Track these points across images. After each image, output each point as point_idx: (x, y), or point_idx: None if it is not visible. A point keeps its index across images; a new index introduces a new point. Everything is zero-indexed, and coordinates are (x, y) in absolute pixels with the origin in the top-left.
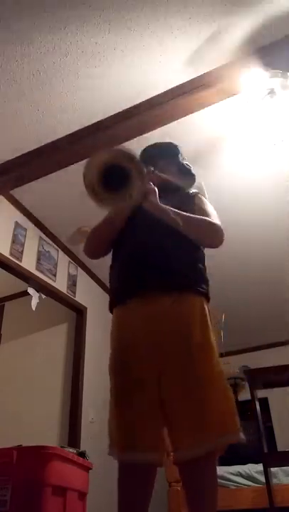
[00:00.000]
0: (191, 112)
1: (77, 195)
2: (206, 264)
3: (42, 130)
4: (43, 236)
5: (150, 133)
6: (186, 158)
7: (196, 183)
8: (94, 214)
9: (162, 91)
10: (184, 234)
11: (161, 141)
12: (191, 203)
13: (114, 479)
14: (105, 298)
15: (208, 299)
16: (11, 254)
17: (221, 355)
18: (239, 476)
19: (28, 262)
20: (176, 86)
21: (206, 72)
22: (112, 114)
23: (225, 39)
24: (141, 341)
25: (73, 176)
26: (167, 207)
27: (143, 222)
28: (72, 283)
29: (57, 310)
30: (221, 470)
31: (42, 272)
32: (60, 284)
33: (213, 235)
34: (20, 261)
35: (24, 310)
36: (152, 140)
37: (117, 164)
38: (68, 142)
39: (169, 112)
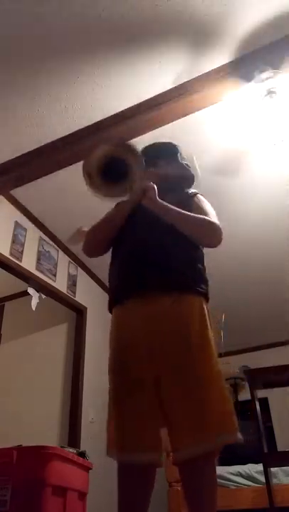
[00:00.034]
0: (188, 114)
1: (78, 196)
2: (205, 264)
3: (42, 130)
4: (43, 236)
5: (150, 133)
6: (185, 157)
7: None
8: (94, 214)
9: (162, 91)
10: (183, 232)
11: (159, 141)
12: (191, 202)
13: (114, 479)
14: (105, 298)
15: (207, 299)
16: (11, 254)
17: (221, 355)
18: (239, 476)
19: (28, 262)
20: (176, 86)
21: (206, 72)
22: (112, 114)
23: (225, 39)
24: (141, 341)
25: (73, 176)
26: (166, 204)
27: (143, 219)
28: (72, 283)
29: (57, 310)
30: (221, 470)
31: (42, 271)
32: (60, 284)
33: (212, 233)
34: (20, 261)
35: (24, 310)
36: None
37: (118, 157)
38: (68, 142)
39: (169, 113)
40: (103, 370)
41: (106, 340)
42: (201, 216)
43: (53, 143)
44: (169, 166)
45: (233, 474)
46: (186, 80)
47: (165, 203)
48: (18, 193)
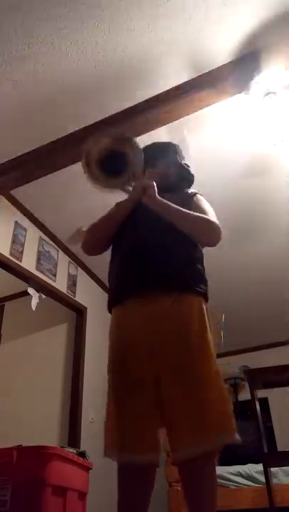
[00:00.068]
0: (191, 113)
1: (78, 196)
2: (205, 264)
3: (42, 130)
4: (43, 236)
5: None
6: (184, 157)
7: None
8: (94, 214)
9: (162, 91)
10: (182, 231)
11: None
12: (190, 202)
13: (114, 479)
14: (105, 298)
15: (206, 299)
16: (11, 254)
17: (221, 355)
18: (239, 476)
19: (28, 262)
20: (176, 86)
21: (205, 72)
22: (111, 114)
23: (225, 39)
24: (140, 341)
25: (73, 177)
26: (166, 201)
27: (143, 217)
28: (72, 283)
29: (57, 310)
30: (221, 470)
31: (42, 272)
32: (60, 284)
33: (210, 232)
34: (20, 261)
35: (24, 310)
36: (154, 139)
37: (118, 150)
38: (68, 142)
39: (169, 113)
40: (103, 370)
41: (106, 340)
42: (200, 214)
43: (53, 143)
44: (168, 165)
45: (233, 474)
46: (185, 80)
47: (165, 201)
48: (18, 193)
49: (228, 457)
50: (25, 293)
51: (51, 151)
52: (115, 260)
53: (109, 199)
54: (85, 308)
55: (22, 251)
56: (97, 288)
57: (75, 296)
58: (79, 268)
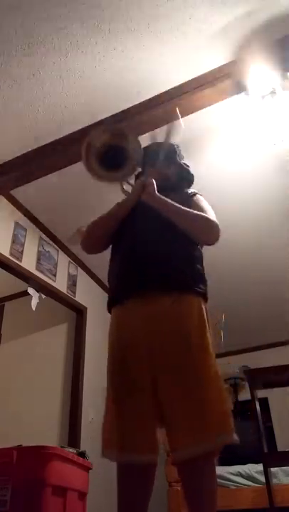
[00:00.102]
0: (192, 112)
1: (78, 196)
2: (204, 264)
3: (42, 130)
4: (43, 236)
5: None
6: (184, 157)
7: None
8: (94, 214)
9: (162, 91)
10: (181, 228)
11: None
12: (190, 202)
13: (114, 479)
14: (105, 298)
15: (206, 299)
16: (11, 254)
17: (221, 355)
18: (239, 476)
19: (28, 262)
20: (177, 86)
21: (206, 71)
22: (111, 114)
23: (225, 39)
24: (140, 341)
25: (73, 176)
26: (165, 198)
27: (143, 217)
28: (72, 283)
29: (57, 310)
30: (221, 470)
31: (42, 271)
32: (60, 284)
33: (209, 230)
34: (21, 261)
35: (24, 310)
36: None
37: (117, 144)
38: (68, 142)
39: (169, 113)
40: (103, 370)
41: (106, 340)
42: (200, 212)
43: (53, 143)
44: (168, 165)
45: (233, 474)
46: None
47: (164, 198)
48: (18, 193)
49: (228, 457)
50: (25, 293)
51: (51, 151)
52: (115, 260)
53: (109, 199)
54: (85, 308)
55: (22, 251)
56: (97, 288)
57: (75, 296)
58: (79, 268)
